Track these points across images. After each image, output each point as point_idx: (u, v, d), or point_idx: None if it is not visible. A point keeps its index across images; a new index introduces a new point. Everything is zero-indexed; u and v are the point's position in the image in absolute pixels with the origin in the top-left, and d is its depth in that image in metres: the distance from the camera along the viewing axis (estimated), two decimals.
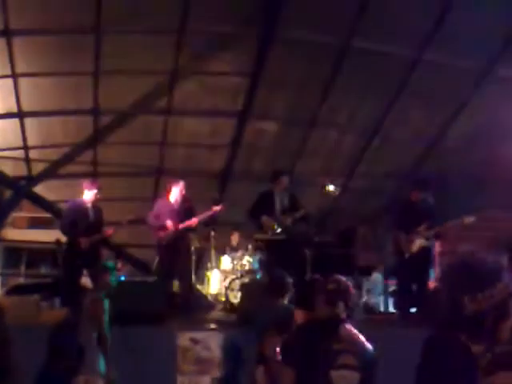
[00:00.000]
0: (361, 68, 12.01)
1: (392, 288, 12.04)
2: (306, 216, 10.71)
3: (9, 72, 11.63)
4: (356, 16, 11.10)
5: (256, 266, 11.09)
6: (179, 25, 11.18)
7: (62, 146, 13.57)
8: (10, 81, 11.84)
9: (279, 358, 5.28)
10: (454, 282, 3.14)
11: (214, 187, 14.67)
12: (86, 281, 10.18)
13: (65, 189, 13.92)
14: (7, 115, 12.65)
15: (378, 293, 12.54)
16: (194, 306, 10.06)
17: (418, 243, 9.92)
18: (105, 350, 7.15)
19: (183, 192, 10.48)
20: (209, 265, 11.69)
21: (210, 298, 11.15)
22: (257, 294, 8.38)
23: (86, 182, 10.62)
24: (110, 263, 8.22)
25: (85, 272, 10.12)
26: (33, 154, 13.80)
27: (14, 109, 12.47)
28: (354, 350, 4.63)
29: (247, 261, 11.21)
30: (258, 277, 10.80)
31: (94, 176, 13.82)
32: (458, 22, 10.74)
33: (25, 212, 15.78)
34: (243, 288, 10.19)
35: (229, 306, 10.46)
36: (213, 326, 9.43)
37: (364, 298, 11.96)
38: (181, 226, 10.28)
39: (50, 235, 12.05)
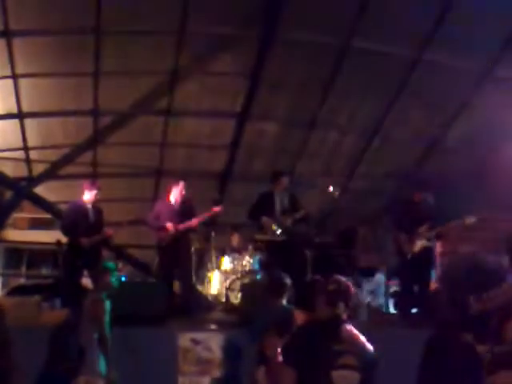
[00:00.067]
0: (361, 68, 12.01)
1: (393, 289, 12.04)
2: (306, 217, 10.70)
3: (9, 73, 11.62)
4: (356, 16, 11.09)
5: (256, 266, 11.09)
6: (179, 25, 11.17)
7: (62, 146, 13.57)
8: (10, 81, 11.84)
9: (280, 358, 5.29)
10: (458, 283, 3.16)
11: (214, 188, 14.67)
12: (86, 281, 10.18)
13: (65, 190, 13.93)
14: (7, 116, 12.65)
15: (382, 294, 12.53)
16: (194, 307, 10.05)
17: (420, 244, 9.93)
18: (105, 351, 7.14)
19: (183, 192, 10.48)
20: (209, 265, 11.69)
21: (210, 298, 11.14)
22: (257, 295, 8.39)
23: (86, 183, 10.63)
24: (111, 264, 8.21)
25: (85, 273, 10.12)
26: (33, 154, 13.79)
27: (14, 109, 12.46)
28: (355, 350, 4.64)
29: (247, 261, 11.21)
30: (258, 277, 10.79)
31: (94, 177, 13.81)
32: (458, 22, 10.75)
33: (25, 213, 15.80)
34: (244, 288, 10.19)
35: (229, 307, 10.45)
36: (213, 326, 9.42)
37: (368, 299, 11.95)
38: (181, 226, 10.28)
39: (51, 236, 12.06)
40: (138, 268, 14.09)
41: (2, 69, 11.51)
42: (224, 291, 10.82)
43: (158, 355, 8.48)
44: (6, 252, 14.86)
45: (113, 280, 7.63)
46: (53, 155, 13.63)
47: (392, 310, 11.94)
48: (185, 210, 10.42)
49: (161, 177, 14.63)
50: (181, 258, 10.26)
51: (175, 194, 10.49)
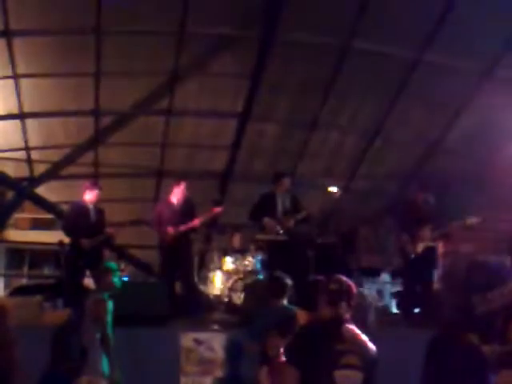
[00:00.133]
0: (361, 69, 12.03)
1: (395, 289, 12.05)
2: (307, 217, 10.70)
3: (10, 73, 11.64)
4: (356, 17, 11.11)
5: (258, 266, 11.10)
6: (179, 26, 11.19)
7: (63, 146, 13.60)
8: (10, 82, 11.86)
9: (283, 358, 5.30)
10: (460, 283, 3.17)
11: (215, 188, 14.68)
12: (88, 282, 10.20)
13: (66, 190, 13.96)
14: (8, 116, 12.67)
15: (388, 294, 12.52)
16: (196, 307, 10.05)
17: (423, 244, 9.94)
18: (108, 351, 7.15)
19: (185, 193, 10.49)
20: (211, 266, 11.69)
21: (212, 298, 11.14)
22: (259, 295, 8.39)
23: (87, 183, 10.63)
24: (113, 264, 8.22)
25: (87, 273, 10.13)
26: (34, 155, 13.81)
27: (15, 110, 12.48)
28: (357, 350, 4.65)
29: (249, 261, 11.21)
30: (260, 277, 10.80)
31: (95, 177, 13.85)
32: (459, 22, 10.76)
33: (27, 213, 15.84)
34: (246, 289, 10.20)
35: (232, 307, 10.45)
36: (216, 326, 9.42)
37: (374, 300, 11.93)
38: (182, 227, 10.28)
39: (53, 236, 12.08)
40: (139, 268, 14.11)
41: (3, 69, 11.53)
42: (226, 291, 10.82)
43: (160, 355, 8.48)
44: (7, 252, 14.89)
45: (115, 280, 7.63)
46: (54, 155, 13.65)
47: (394, 310, 11.93)
48: (186, 211, 10.42)
49: (162, 177, 14.66)
50: (182, 259, 10.26)
51: (176, 195, 10.50)
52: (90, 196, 10.32)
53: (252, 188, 12.70)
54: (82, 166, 14.07)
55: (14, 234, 15.36)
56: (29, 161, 13.87)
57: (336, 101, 12.98)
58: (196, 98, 13.05)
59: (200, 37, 11.72)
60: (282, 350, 5.52)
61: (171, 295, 9.83)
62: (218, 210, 10.81)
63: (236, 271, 11.15)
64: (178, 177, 11.13)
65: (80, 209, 10.33)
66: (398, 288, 11.79)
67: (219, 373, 7.99)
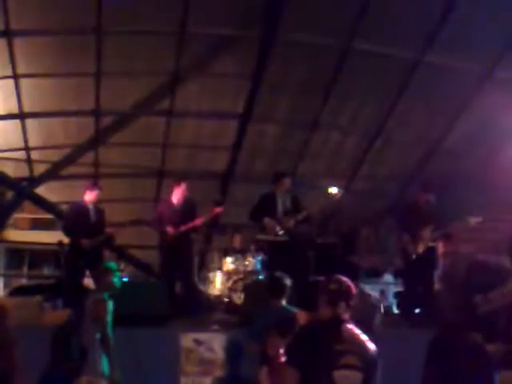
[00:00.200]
0: (362, 69, 12.03)
1: (395, 289, 12.04)
2: (308, 218, 10.70)
3: (10, 73, 11.63)
4: (357, 18, 11.10)
5: (258, 266, 11.09)
6: (180, 26, 11.19)
7: (63, 147, 13.60)
8: (11, 82, 11.85)
9: (283, 358, 5.29)
10: (460, 283, 3.16)
11: (216, 188, 14.68)
12: (88, 282, 10.20)
13: (66, 190, 13.96)
14: (8, 116, 12.67)
15: (391, 294, 12.52)
16: (196, 307, 10.05)
17: (423, 244, 9.94)
18: (108, 351, 7.15)
19: (185, 193, 10.49)
20: (211, 266, 11.69)
21: (212, 299, 11.14)
22: (259, 295, 8.39)
23: (87, 184, 10.64)
24: (113, 264, 8.22)
25: (87, 273, 10.13)
26: (34, 155, 13.81)
27: (15, 110, 12.48)
28: (357, 350, 4.64)
29: (250, 262, 11.21)
30: (260, 278, 10.80)
31: (95, 177, 13.85)
32: (459, 23, 10.77)
33: (26, 213, 15.84)
34: (246, 289, 10.19)
35: (232, 307, 10.44)
36: (216, 327, 9.41)
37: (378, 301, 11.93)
38: (183, 227, 10.28)
39: (52, 236, 12.08)
40: (139, 268, 14.12)
41: (3, 69, 11.53)
42: (226, 292, 10.82)
43: (160, 355, 8.48)
44: (7, 252, 14.90)
45: (115, 280, 7.63)
46: (54, 155, 13.65)
47: (395, 310, 11.93)
48: (187, 211, 10.42)
49: (162, 177, 14.65)
50: (183, 259, 10.26)
51: (177, 195, 10.50)
52: (90, 196, 10.32)
53: (253, 188, 12.69)
54: (82, 166, 14.06)
55: (14, 234, 15.36)
56: (29, 161, 13.86)
57: (336, 101, 12.98)
58: (197, 99, 13.05)
59: (200, 37, 11.72)
60: (281, 350, 5.52)
61: (171, 295, 9.84)
62: (218, 210, 10.82)
63: (236, 271, 11.15)
64: (179, 177, 11.13)
65: (80, 209, 10.33)
66: (399, 288, 11.79)
67: (219, 373, 7.99)
